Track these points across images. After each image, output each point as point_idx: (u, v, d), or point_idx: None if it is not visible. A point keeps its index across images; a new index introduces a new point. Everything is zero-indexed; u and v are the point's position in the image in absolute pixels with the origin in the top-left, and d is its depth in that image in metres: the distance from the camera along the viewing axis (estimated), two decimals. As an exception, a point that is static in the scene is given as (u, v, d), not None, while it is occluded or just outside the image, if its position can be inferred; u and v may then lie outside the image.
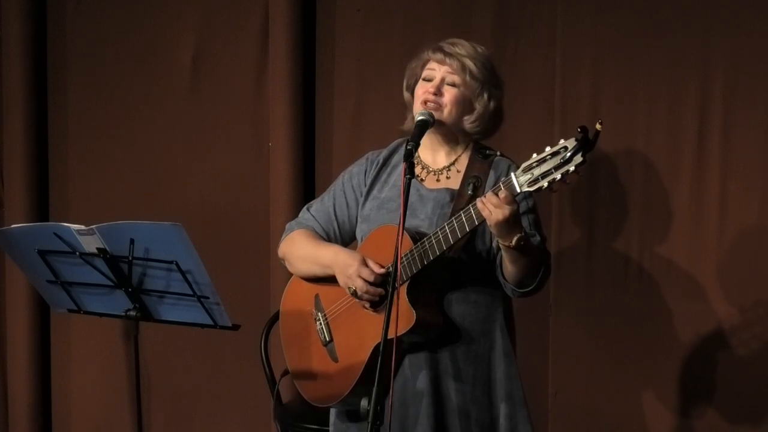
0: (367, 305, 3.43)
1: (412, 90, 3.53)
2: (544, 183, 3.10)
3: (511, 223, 3.18)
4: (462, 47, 3.47)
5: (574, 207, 4.45)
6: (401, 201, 3.18)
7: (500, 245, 3.26)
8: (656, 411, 4.41)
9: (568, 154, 3.06)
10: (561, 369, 4.49)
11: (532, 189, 3.13)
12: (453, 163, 3.51)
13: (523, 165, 3.14)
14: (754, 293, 4.29)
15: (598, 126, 3.03)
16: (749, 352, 4.31)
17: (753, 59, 4.24)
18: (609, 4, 4.37)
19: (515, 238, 3.20)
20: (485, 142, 3.56)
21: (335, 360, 3.52)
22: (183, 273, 3.34)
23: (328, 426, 3.79)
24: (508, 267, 3.31)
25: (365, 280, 3.38)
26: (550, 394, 4.49)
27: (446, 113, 3.44)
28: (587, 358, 4.46)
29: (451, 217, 3.32)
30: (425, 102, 3.44)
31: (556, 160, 3.08)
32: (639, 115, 4.36)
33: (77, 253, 3.40)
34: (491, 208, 3.16)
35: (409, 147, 3.27)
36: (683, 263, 4.35)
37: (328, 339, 3.54)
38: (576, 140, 3.05)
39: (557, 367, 4.49)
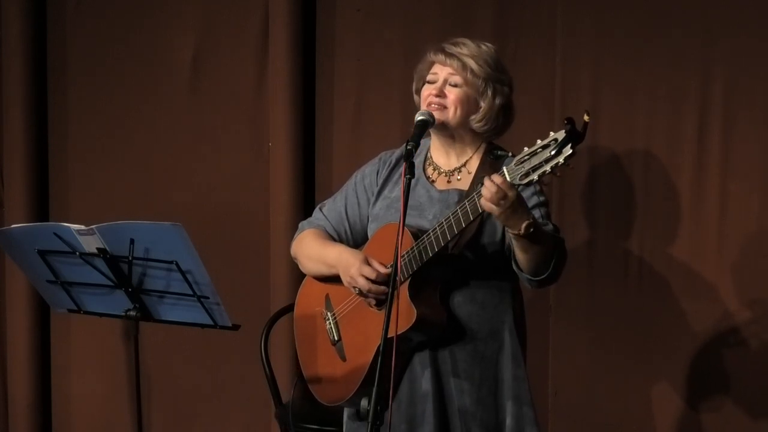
0: (373, 303, 3.44)
1: (419, 92, 3.53)
2: (535, 176, 3.10)
3: (511, 209, 3.16)
4: (465, 46, 3.46)
5: (574, 207, 4.45)
6: (401, 201, 3.18)
7: (510, 234, 3.25)
8: (656, 411, 4.41)
9: (558, 147, 3.06)
10: (561, 369, 4.49)
11: (523, 182, 3.12)
12: (464, 165, 3.51)
13: (515, 159, 3.14)
14: (755, 292, 4.29)
15: (585, 117, 3.03)
16: (749, 351, 4.31)
17: (753, 59, 4.24)
18: (609, 3, 4.37)
19: (524, 225, 3.18)
20: (498, 142, 3.56)
21: (343, 359, 3.53)
22: (183, 273, 3.33)
23: (328, 426, 3.80)
24: (520, 256, 3.29)
25: (368, 279, 3.39)
26: (550, 394, 4.49)
27: (451, 114, 3.44)
28: (587, 358, 4.46)
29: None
30: (429, 104, 3.44)
31: (546, 153, 3.08)
32: (639, 114, 4.36)
33: (77, 253, 3.40)
34: (489, 196, 3.16)
35: (408, 147, 3.27)
36: (683, 263, 4.35)
37: (336, 338, 3.54)
38: (565, 132, 3.06)
39: (557, 367, 4.49)
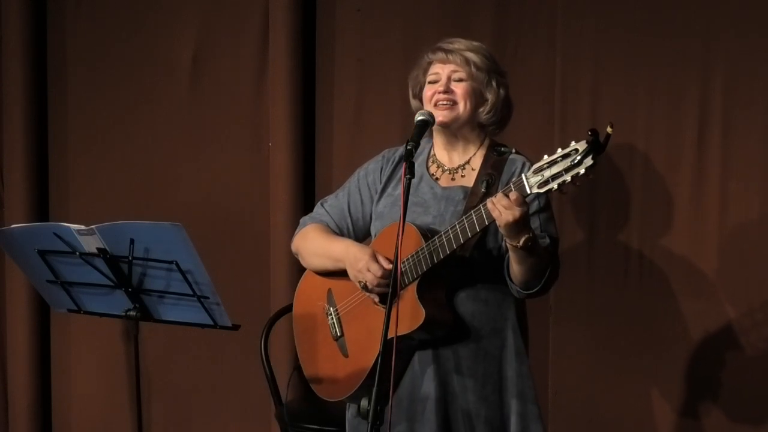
0: (377, 300, 3.44)
1: (419, 97, 3.54)
2: (554, 185, 3.11)
3: (520, 225, 3.19)
4: (459, 43, 3.50)
5: (574, 207, 4.45)
6: (401, 201, 3.18)
7: (508, 245, 3.27)
8: (656, 410, 4.41)
9: (579, 157, 3.07)
10: (561, 369, 4.49)
11: (542, 191, 3.14)
12: (468, 162, 3.52)
13: (534, 166, 3.15)
14: (754, 291, 4.29)
15: (609, 129, 3.05)
16: (749, 350, 4.31)
17: (753, 58, 4.24)
18: (609, 4, 4.37)
19: (523, 239, 3.21)
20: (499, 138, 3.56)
21: (345, 355, 3.53)
22: (183, 273, 3.33)
23: (328, 426, 3.80)
24: (514, 267, 3.33)
25: (375, 274, 3.39)
26: (550, 394, 4.49)
27: (461, 109, 3.46)
28: (587, 358, 4.46)
29: (463, 215, 3.33)
30: (437, 103, 3.45)
31: (567, 163, 3.09)
32: (639, 114, 4.36)
33: (77, 253, 3.40)
34: (501, 209, 3.17)
35: (408, 147, 3.27)
36: (683, 262, 4.35)
37: (339, 334, 3.55)
38: (587, 143, 3.07)
39: (557, 367, 4.49)
